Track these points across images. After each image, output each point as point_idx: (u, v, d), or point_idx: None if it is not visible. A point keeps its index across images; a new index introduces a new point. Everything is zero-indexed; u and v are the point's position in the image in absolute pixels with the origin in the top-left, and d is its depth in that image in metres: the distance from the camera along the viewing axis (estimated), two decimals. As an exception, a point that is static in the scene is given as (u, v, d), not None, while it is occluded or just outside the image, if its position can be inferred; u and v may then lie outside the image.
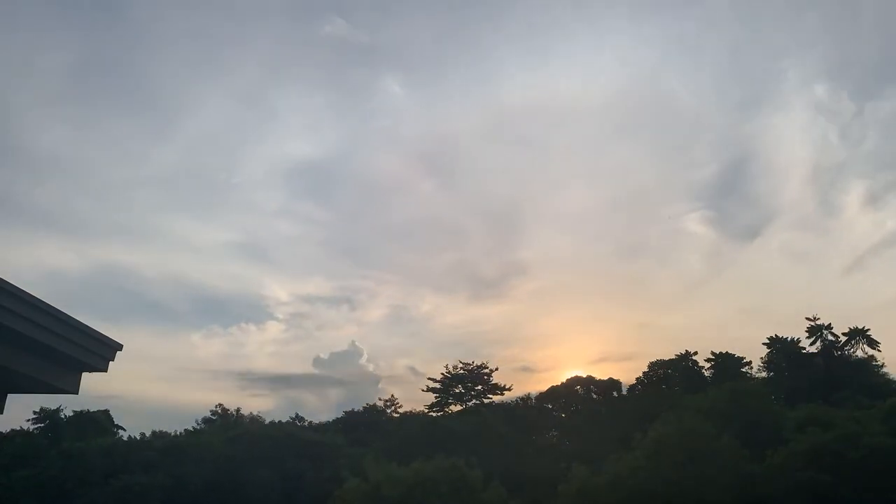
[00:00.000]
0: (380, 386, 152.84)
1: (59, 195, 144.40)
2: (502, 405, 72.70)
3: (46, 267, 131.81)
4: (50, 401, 70.43)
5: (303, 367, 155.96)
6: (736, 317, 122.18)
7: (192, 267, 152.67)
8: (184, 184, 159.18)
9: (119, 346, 6.63)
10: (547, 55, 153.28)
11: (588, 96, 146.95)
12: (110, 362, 6.72)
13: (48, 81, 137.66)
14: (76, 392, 6.81)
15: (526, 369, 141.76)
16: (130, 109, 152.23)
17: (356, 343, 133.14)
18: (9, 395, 6.87)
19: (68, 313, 5.84)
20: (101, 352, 6.52)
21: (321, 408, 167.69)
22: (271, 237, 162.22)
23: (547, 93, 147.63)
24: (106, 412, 76.85)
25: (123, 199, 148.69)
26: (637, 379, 75.42)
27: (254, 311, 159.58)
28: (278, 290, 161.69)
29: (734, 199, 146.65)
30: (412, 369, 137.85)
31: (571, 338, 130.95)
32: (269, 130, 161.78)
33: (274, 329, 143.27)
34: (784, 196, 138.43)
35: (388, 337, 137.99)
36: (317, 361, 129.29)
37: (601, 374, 77.22)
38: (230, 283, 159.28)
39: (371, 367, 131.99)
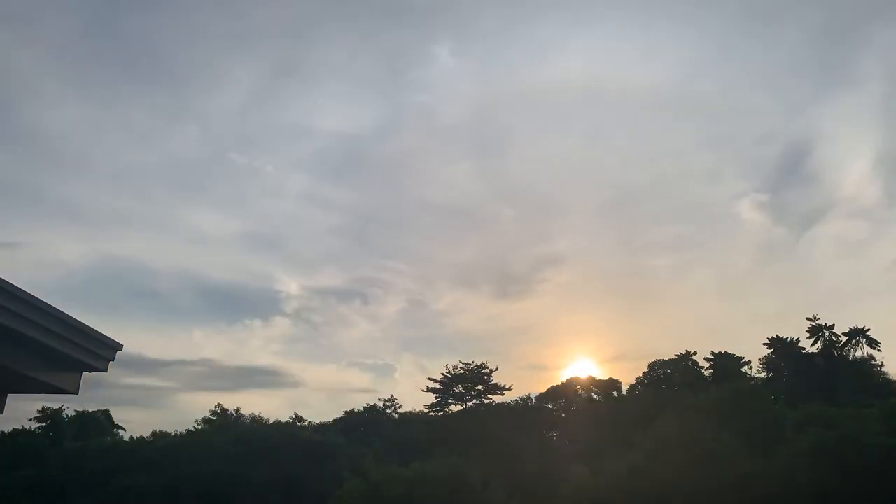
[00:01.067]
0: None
1: (68, 181, 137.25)
2: (502, 405, 72.67)
3: (52, 258, 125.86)
4: (51, 400, 70.47)
5: (308, 364, 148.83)
6: (782, 313, 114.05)
7: (202, 259, 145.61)
8: (200, 168, 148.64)
9: (119, 346, 6.66)
10: (602, 36, 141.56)
11: (643, 78, 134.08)
12: (110, 362, 6.75)
13: (53, 52, 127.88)
14: (76, 392, 6.84)
15: (536, 367, 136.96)
16: (144, 86, 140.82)
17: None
18: (10, 395, 6.90)
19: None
20: (101, 352, 6.55)
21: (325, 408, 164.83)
22: (289, 225, 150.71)
23: (600, 76, 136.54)
24: (106, 412, 76.91)
25: (135, 186, 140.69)
26: (637, 379, 75.49)
27: (263, 305, 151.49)
28: (290, 284, 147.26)
29: (792, 184, 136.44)
30: (421, 367, 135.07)
31: (592, 335, 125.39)
32: (297, 105, 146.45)
33: (281, 325, 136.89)
34: (846, 184, 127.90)
35: (401, 332, 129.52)
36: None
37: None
38: (240, 276, 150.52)
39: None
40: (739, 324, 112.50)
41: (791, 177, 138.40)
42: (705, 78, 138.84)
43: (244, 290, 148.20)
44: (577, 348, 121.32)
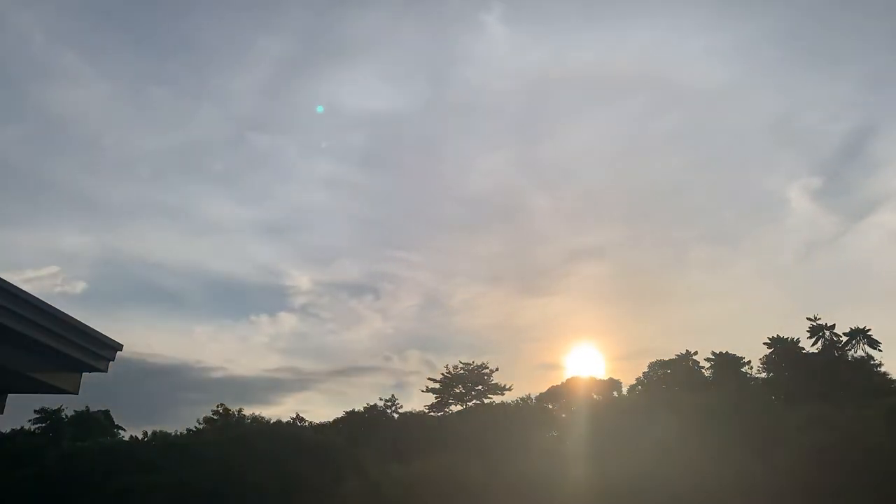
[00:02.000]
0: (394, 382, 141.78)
1: (74, 166, 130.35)
2: (503, 405, 72.63)
3: (56, 249, 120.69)
4: (51, 400, 70.42)
5: (315, 363, 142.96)
6: (821, 309, 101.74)
7: (211, 251, 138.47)
8: (216, 151, 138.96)
9: (119, 346, 6.66)
10: (666, 17, 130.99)
11: (697, 61, 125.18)
12: (110, 362, 6.75)
13: (67, 24, 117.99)
14: (76, 392, 6.84)
15: (551, 366, 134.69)
16: (161, 59, 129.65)
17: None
18: (9, 395, 6.90)
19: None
20: (100, 352, 6.55)
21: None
22: (305, 214, 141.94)
23: (655, 61, 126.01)
24: (106, 412, 76.86)
25: (145, 172, 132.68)
26: (637, 379, 75.47)
27: (271, 300, 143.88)
28: (301, 278, 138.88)
29: (851, 170, 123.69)
30: (429, 363, 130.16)
31: (618, 331, 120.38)
32: (325, 82, 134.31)
33: (288, 322, 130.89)
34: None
35: (414, 329, 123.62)
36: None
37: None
38: (250, 269, 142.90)
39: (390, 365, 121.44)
40: (776, 319, 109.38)
41: (850, 162, 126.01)
42: (765, 59, 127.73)
43: (252, 285, 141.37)
44: (601, 345, 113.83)
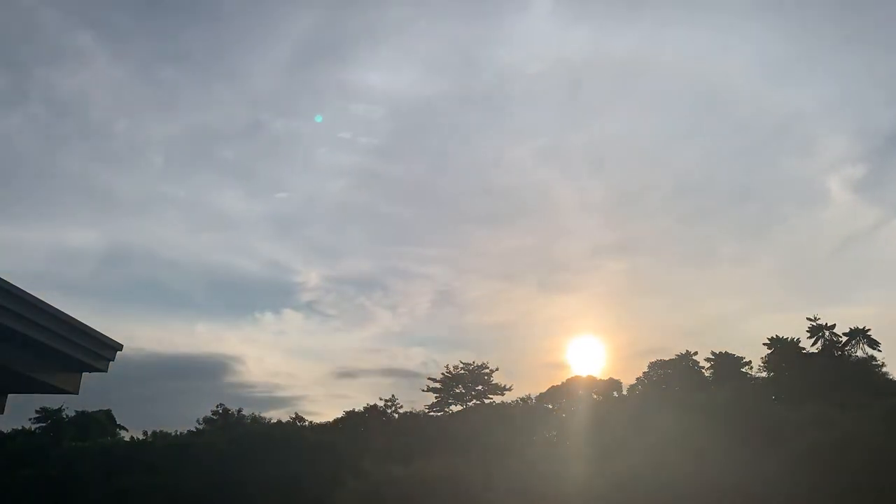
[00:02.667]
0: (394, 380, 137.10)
1: (83, 154, 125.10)
2: (503, 405, 72.65)
3: (61, 242, 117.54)
4: (51, 400, 70.47)
5: (322, 361, 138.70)
6: (850, 307, 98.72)
7: (219, 244, 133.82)
8: (228, 136, 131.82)
9: (119, 346, 6.67)
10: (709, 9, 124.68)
11: (741, 44, 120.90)
12: (110, 362, 6.77)
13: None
14: (76, 392, 6.86)
15: (561, 365, 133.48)
16: (172, 34, 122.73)
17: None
18: (10, 395, 6.92)
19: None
20: (101, 352, 6.57)
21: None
22: (318, 206, 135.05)
23: (699, 51, 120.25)
24: (107, 412, 76.89)
25: (156, 161, 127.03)
26: (637, 379, 75.49)
27: (278, 296, 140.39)
28: (310, 273, 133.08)
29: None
30: (433, 363, 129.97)
31: (638, 328, 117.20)
32: (351, 60, 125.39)
33: (294, 319, 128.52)
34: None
35: (426, 329, 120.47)
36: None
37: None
38: (258, 264, 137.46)
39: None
40: (800, 317, 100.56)
41: None
42: (810, 44, 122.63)
43: (259, 281, 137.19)
44: (622, 342, 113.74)
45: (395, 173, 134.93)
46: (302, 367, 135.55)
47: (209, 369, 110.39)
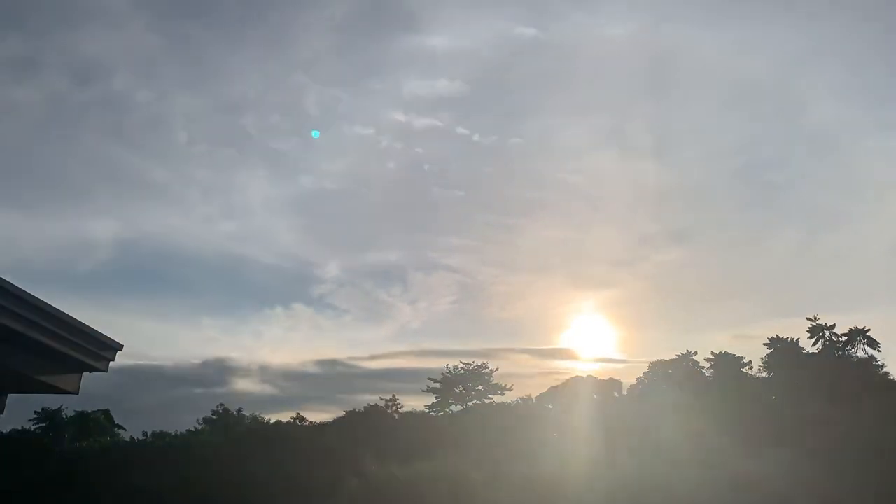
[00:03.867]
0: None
1: (91, 128, 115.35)
2: (503, 405, 72.62)
3: (73, 228, 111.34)
4: (51, 400, 70.42)
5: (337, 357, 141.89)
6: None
7: (240, 232, 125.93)
8: (258, 109, 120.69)
9: (119, 347, 6.63)
10: None
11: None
12: (110, 363, 6.72)
13: None
14: (76, 392, 6.82)
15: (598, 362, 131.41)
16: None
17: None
18: (10, 395, 6.88)
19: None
20: (101, 352, 6.53)
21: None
22: (346, 191, 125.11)
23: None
24: (106, 412, 76.83)
25: (181, 137, 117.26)
26: (637, 379, 75.47)
27: (296, 289, 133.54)
28: (329, 266, 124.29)
29: None
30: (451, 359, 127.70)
31: (672, 327, 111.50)
32: (409, 14, 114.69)
33: (304, 315, 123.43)
34: None
35: (443, 323, 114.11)
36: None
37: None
38: (277, 255, 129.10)
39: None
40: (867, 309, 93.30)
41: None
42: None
43: (277, 273, 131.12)
44: (657, 340, 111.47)
45: (428, 154, 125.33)
46: (309, 364, 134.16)
47: (209, 378, 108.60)
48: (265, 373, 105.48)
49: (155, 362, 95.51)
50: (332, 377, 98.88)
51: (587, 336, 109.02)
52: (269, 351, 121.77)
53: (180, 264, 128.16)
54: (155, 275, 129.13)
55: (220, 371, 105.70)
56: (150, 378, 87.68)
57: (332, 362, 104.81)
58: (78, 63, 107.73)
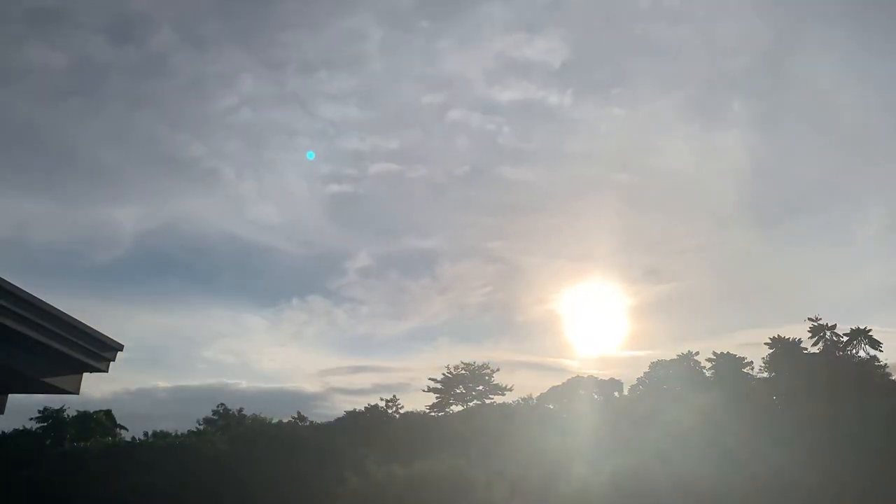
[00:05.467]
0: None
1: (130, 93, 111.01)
2: (503, 405, 72.63)
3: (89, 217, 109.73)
4: (53, 400, 70.47)
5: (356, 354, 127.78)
6: None
7: (266, 219, 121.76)
8: (295, 83, 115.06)
9: (120, 347, 6.63)
10: None
11: None
12: (111, 363, 6.73)
13: None
14: (77, 392, 6.82)
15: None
16: None
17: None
18: (11, 395, 6.89)
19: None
20: (101, 352, 6.53)
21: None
22: (384, 174, 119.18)
23: None
24: (108, 412, 76.85)
25: (222, 103, 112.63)
26: (638, 379, 75.45)
27: (323, 280, 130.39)
28: (360, 255, 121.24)
29: None
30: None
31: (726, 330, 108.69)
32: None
33: (333, 309, 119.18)
34: None
35: (469, 317, 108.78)
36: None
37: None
38: (304, 244, 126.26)
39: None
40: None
41: None
42: None
43: (304, 263, 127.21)
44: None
45: (477, 131, 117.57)
46: (321, 361, 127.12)
47: (211, 394, 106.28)
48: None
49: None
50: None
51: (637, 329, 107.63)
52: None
53: (199, 254, 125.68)
54: (172, 263, 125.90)
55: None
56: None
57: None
58: (112, 17, 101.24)
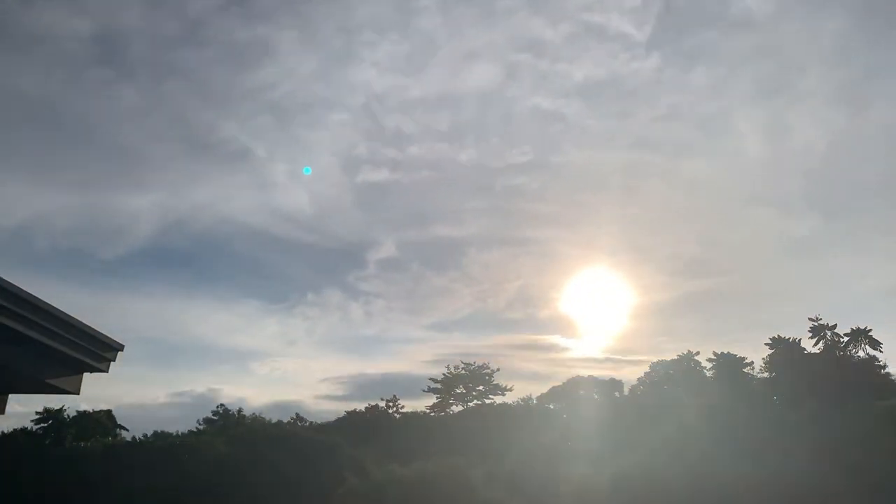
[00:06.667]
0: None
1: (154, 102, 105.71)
2: (504, 405, 72.64)
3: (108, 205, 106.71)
4: (53, 400, 70.44)
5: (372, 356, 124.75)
6: None
7: (291, 208, 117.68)
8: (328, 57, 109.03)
9: (120, 347, 6.63)
10: None
11: None
12: (111, 363, 6.73)
13: None
14: (77, 392, 6.82)
15: (630, 351, 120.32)
16: None
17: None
18: (11, 395, 6.89)
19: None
20: (102, 352, 6.53)
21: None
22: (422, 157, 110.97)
23: None
24: (108, 412, 76.85)
25: (231, 103, 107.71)
26: (638, 379, 75.51)
27: (340, 274, 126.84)
28: (387, 244, 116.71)
29: None
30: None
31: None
32: None
33: (333, 300, 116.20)
34: None
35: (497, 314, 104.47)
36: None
37: None
38: (328, 237, 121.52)
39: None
40: None
41: None
42: None
43: (327, 254, 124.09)
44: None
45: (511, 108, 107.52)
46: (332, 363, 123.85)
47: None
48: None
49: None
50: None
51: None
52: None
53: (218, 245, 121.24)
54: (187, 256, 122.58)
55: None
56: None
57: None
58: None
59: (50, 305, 5.67)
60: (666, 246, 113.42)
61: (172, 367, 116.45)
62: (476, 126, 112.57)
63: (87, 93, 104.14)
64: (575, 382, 74.79)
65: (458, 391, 75.31)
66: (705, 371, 72.67)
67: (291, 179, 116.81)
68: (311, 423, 73.08)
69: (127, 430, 76.11)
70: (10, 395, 6.69)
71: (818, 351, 68.63)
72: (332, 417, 71.73)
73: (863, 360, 66.26)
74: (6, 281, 5.21)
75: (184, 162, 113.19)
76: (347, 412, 73.25)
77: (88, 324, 6.18)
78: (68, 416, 73.02)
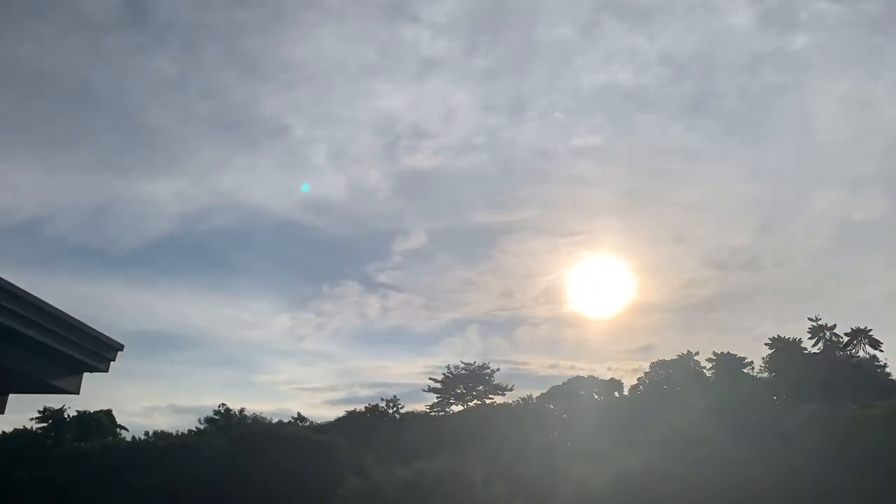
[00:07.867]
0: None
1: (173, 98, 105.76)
2: (504, 405, 72.66)
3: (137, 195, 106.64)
4: (54, 400, 70.46)
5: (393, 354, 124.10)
6: None
7: (321, 197, 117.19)
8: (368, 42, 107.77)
9: (120, 347, 6.62)
10: None
11: None
12: (111, 363, 6.72)
13: None
14: (77, 392, 6.81)
15: (645, 349, 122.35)
16: None
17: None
18: (12, 395, 6.88)
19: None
20: (102, 352, 6.52)
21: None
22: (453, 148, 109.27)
23: None
24: (108, 412, 76.84)
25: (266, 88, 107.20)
26: (639, 379, 75.55)
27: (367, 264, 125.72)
28: (418, 234, 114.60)
29: None
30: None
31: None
32: None
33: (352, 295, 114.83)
34: None
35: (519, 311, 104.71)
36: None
37: None
38: (358, 225, 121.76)
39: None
40: None
41: None
42: None
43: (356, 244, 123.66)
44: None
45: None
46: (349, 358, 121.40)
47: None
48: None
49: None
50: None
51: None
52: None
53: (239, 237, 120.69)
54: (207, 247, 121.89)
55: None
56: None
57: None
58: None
59: (50, 305, 5.65)
60: (716, 237, 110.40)
61: (173, 368, 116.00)
62: (541, 99, 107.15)
63: (112, 62, 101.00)
64: (575, 382, 74.82)
65: (459, 391, 75.32)
66: (705, 371, 72.74)
67: (328, 161, 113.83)
68: (312, 423, 73.09)
69: (126, 430, 76.19)
70: (10, 395, 6.68)
71: (818, 351, 68.68)
72: (333, 417, 72.13)
73: (863, 360, 66.29)
74: (6, 280, 5.20)
75: (211, 144, 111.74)
76: (348, 412, 73.30)
77: (92, 324, 6.17)
78: (68, 416, 73.02)
